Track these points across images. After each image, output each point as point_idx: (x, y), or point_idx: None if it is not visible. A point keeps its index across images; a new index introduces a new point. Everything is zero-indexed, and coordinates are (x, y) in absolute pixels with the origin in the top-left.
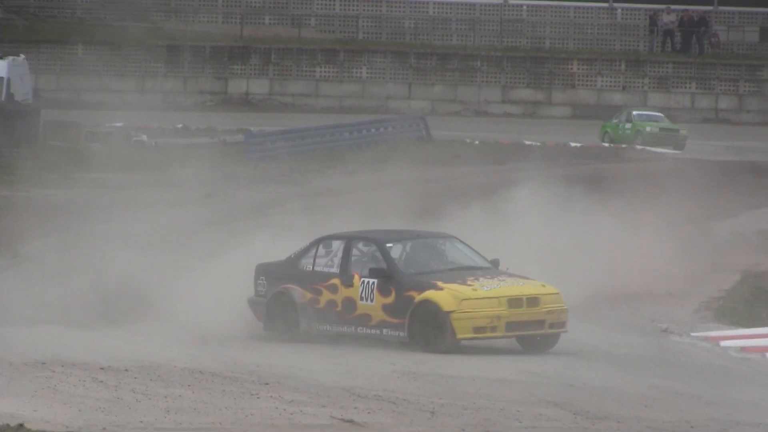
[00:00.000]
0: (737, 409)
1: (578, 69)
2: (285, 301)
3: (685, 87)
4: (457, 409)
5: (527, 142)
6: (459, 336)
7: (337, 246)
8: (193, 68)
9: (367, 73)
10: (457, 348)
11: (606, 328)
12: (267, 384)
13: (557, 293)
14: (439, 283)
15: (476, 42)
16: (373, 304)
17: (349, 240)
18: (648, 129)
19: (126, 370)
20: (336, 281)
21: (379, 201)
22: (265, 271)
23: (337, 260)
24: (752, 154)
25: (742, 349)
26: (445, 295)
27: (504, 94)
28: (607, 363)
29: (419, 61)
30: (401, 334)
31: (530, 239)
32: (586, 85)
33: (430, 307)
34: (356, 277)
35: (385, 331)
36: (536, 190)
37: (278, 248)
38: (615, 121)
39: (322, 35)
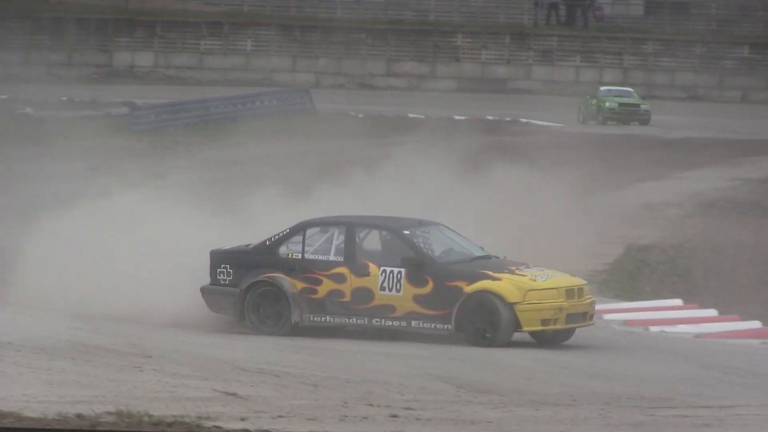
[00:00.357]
0: (620, 382)
1: (463, 42)
2: (268, 291)
3: (570, 60)
4: (340, 382)
5: (412, 116)
6: (525, 328)
7: (332, 233)
8: (78, 41)
9: (251, 45)
10: (510, 342)
11: None
12: (150, 357)
13: (587, 284)
14: (490, 273)
15: (361, 15)
16: (400, 295)
17: (351, 227)
18: (607, 104)
19: (9, 343)
20: (343, 270)
21: (264, 174)
22: (229, 259)
23: (335, 248)
24: (636, 127)
25: (626, 322)
26: (506, 286)
27: (388, 67)
28: None
29: (304, 34)
30: (444, 326)
31: (416, 215)
32: (471, 59)
33: (488, 298)
34: (371, 266)
35: (415, 322)
36: (419, 165)
37: (161, 221)
38: (587, 97)
39: (207, 8)
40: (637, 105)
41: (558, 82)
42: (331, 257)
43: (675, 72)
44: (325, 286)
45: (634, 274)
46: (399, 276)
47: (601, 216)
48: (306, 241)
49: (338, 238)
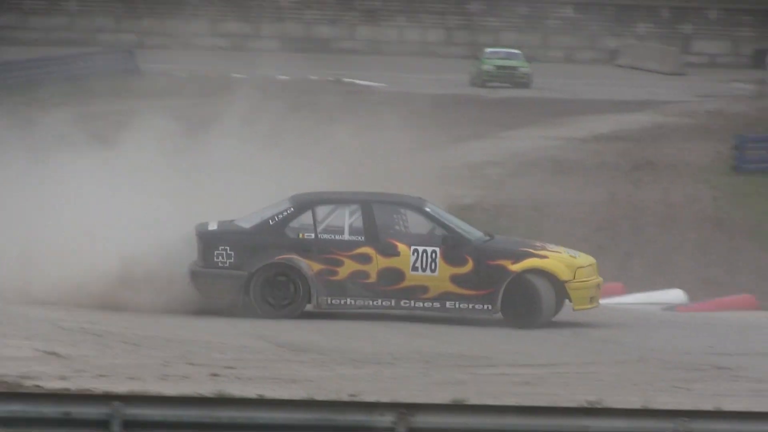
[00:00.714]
0: (441, 341)
1: (286, 2)
2: (286, 273)
3: (394, 20)
4: (161, 342)
5: (236, 75)
6: (577, 307)
7: (342, 210)
8: None
9: (76, 5)
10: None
11: None
12: None
13: None
14: (531, 250)
15: None
16: (435, 275)
17: (367, 204)
18: (485, 67)
19: None
20: (368, 250)
21: (81, 135)
22: (229, 240)
23: (349, 227)
24: (458, 87)
25: None
26: (556, 264)
27: (212, 26)
28: None
29: None
30: (484, 306)
31: (227, 176)
32: (295, 18)
33: (539, 277)
34: (400, 245)
35: (450, 303)
36: (238, 125)
37: None
38: (477, 59)
39: None
40: (515, 68)
41: (382, 41)
42: (348, 236)
43: (499, 32)
44: (347, 267)
45: None
46: (434, 255)
47: (423, 175)
48: (317, 220)
49: (351, 217)
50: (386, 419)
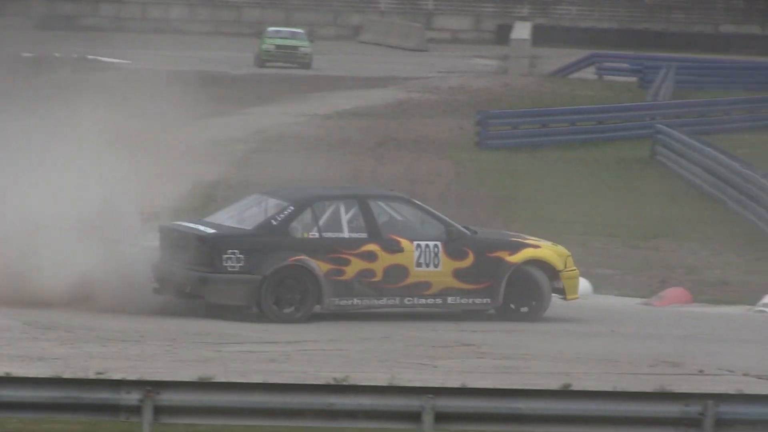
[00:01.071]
0: (187, 318)
1: None
2: (297, 275)
3: None
4: None
5: None
6: (569, 297)
7: (336, 207)
8: None
9: None
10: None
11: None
12: None
13: None
14: (523, 241)
15: None
16: (439, 270)
17: (363, 200)
18: (264, 46)
19: None
20: (373, 248)
21: None
22: (238, 244)
23: (347, 224)
24: (201, 63)
25: None
26: (551, 253)
27: None
28: None
29: None
30: (484, 300)
31: None
32: None
33: (538, 267)
34: (404, 241)
35: (451, 299)
36: None
37: None
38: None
39: None
40: (296, 47)
41: (125, 18)
42: (348, 234)
43: (241, 8)
44: (354, 266)
45: (200, 209)
46: (436, 250)
47: (166, 152)
48: (318, 220)
49: (348, 213)
50: (133, 397)
